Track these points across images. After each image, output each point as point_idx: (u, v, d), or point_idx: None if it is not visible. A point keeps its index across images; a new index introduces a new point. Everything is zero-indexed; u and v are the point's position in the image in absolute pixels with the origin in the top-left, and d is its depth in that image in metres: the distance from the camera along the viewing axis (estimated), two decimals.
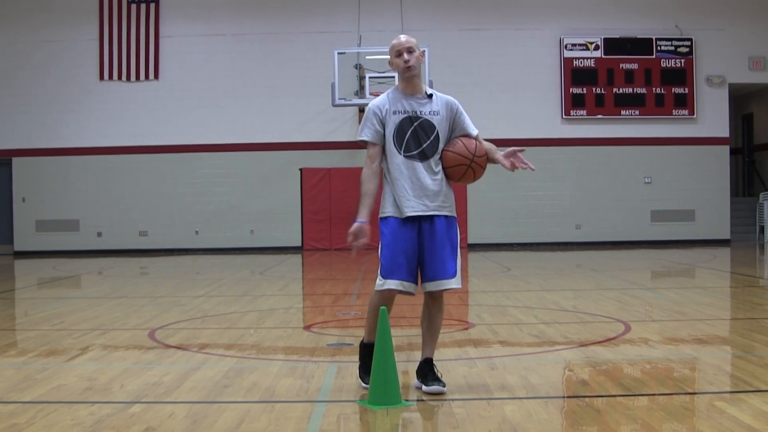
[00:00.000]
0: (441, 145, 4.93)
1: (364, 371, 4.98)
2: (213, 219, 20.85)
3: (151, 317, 8.43)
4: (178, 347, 6.61)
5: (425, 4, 20.86)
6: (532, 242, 20.73)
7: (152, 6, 20.85)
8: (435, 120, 4.91)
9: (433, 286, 4.86)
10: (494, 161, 5.02)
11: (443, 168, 4.93)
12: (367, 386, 4.80)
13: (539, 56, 20.87)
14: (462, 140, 4.97)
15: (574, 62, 20.77)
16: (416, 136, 4.87)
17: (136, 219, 20.89)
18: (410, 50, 4.88)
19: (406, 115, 4.89)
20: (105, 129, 20.83)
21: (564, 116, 20.84)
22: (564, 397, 4.86)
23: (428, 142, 4.88)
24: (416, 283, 4.88)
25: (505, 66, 20.81)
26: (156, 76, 20.87)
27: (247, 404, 4.66)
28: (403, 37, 4.93)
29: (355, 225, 4.82)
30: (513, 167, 5.01)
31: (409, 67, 4.87)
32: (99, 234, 20.94)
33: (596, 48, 20.80)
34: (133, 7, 20.83)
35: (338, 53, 18.69)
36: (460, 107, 5.03)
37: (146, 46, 20.83)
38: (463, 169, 4.90)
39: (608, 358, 5.84)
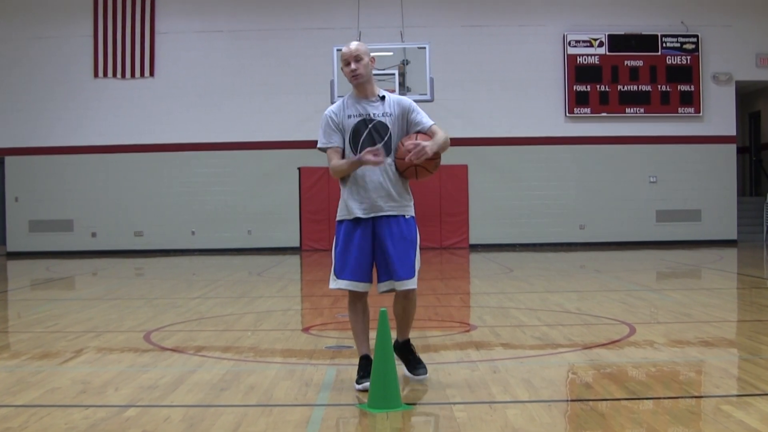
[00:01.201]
0: (395, 146, 5.15)
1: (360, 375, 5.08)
2: (210, 219, 20.85)
3: (146, 319, 8.43)
4: (174, 350, 6.61)
5: (426, 0, 20.86)
6: (534, 243, 20.73)
7: (148, 1, 20.84)
8: (388, 121, 5.15)
9: (388, 286, 5.10)
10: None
11: (398, 172, 5.14)
12: (360, 386, 4.95)
13: (542, 53, 20.87)
14: (403, 142, 5.10)
15: (578, 59, 20.77)
16: (371, 138, 5.10)
17: (132, 219, 20.89)
18: (357, 59, 5.11)
19: (360, 118, 5.14)
20: (100, 127, 20.82)
21: (567, 114, 20.84)
22: (567, 400, 4.86)
23: (382, 143, 5.09)
24: (370, 282, 5.13)
25: (508, 63, 20.80)
26: (152, 74, 20.87)
27: (244, 408, 4.67)
28: (353, 45, 5.17)
29: (370, 149, 4.94)
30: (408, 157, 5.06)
31: (355, 75, 5.11)
32: (93, 234, 20.94)
33: (600, 45, 20.80)
34: (128, 2, 20.83)
35: (337, 50, 18.68)
36: (414, 105, 5.24)
37: (141, 43, 20.83)
38: (412, 170, 5.09)
39: (613, 361, 5.84)
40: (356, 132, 5.10)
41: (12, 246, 20.96)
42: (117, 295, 11.15)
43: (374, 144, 5.05)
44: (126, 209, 20.88)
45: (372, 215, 5.08)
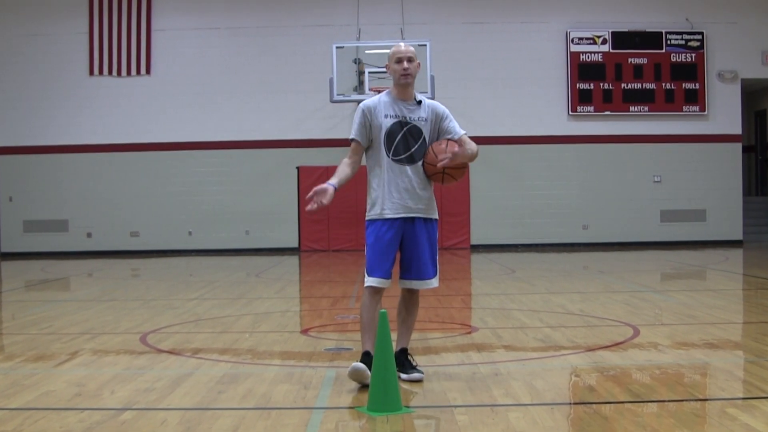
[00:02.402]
0: (426, 150, 5.35)
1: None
2: (207, 219, 20.85)
3: (142, 321, 8.44)
4: (170, 352, 6.62)
5: None
6: (537, 243, 20.74)
7: None
8: (423, 126, 5.33)
9: (414, 284, 5.38)
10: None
11: (426, 176, 5.35)
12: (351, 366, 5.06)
13: (545, 50, 20.87)
14: (433, 147, 5.31)
15: (581, 57, 20.77)
16: (405, 140, 5.28)
17: (127, 219, 20.89)
18: (410, 59, 5.33)
19: (396, 120, 5.30)
20: (95, 126, 20.83)
21: (570, 113, 20.84)
22: (570, 403, 4.86)
23: (416, 146, 5.30)
24: (391, 279, 5.32)
25: (510, 61, 20.80)
26: (148, 71, 20.87)
27: (242, 411, 4.67)
28: (403, 46, 5.38)
29: (323, 185, 5.18)
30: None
31: (406, 75, 5.29)
32: (89, 234, 20.95)
33: (604, 42, 20.80)
34: None
35: (337, 47, 18.69)
36: (447, 112, 5.45)
37: (138, 40, 20.83)
38: (439, 176, 5.29)
39: (616, 364, 5.84)
40: (391, 133, 5.27)
41: (6, 246, 20.97)
42: (113, 297, 11.16)
43: (408, 146, 5.26)
44: (122, 209, 20.89)
45: (402, 216, 5.28)
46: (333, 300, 10.19)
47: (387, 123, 5.27)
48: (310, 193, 5.19)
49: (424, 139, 5.30)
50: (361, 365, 5.03)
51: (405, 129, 5.27)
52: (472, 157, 5.33)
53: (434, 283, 5.41)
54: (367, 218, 5.38)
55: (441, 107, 5.43)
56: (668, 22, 20.90)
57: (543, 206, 20.85)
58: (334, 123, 19.85)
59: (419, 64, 5.42)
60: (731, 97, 21.00)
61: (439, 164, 5.18)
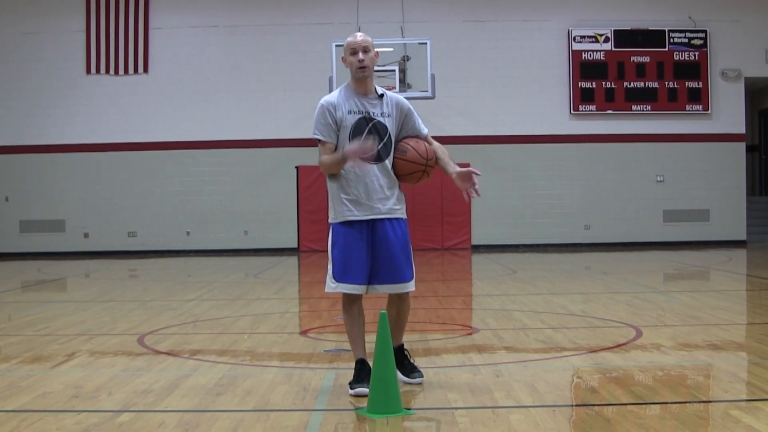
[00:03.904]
0: (392, 147, 5.13)
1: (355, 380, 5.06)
2: (205, 219, 20.85)
3: (140, 322, 8.44)
4: (168, 353, 6.62)
5: None
6: (538, 243, 20.74)
7: None
8: (387, 122, 5.10)
9: (389, 289, 5.12)
10: (446, 171, 5.17)
11: (397, 175, 5.13)
12: (353, 391, 4.96)
13: (546, 49, 20.87)
14: (412, 145, 5.12)
15: (583, 55, 20.77)
16: (372, 138, 5.00)
17: (125, 219, 20.90)
18: (365, 50, 5.05)
19: (361, 116, 5.06)
20: (92, 125, 20.83)
21: (572, 111, 20.84)
22: (572, 405, 4.87)
23: (382, 143, 5.06)
24: (367, 285, 5.09)
25: (511, 59, 20.81)
26: (145, 70, 20.87)
27: (240, 413, 4.67)
28: (359, 35, 5.10)
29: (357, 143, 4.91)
30: (468, 197, 5.20)
31: (362, 67, 5.03)
32: (86, 235, 20.95)
33: (606, 40, 20.80)
34: None
35: (336, 46, 18.67)
36: (412, 109, 5.23)
37: (135, 39, 20.83)
38: (418, 175, 5.12)
39: (619, 365, 5.84)
40: (357, 129, 5.02)
41: (2, 247, 20.96)
42: (110, 297, 11.16)
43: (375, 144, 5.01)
44: (119, 209, 20.89)
45: (370, 217, 5.08)
46: (332, 301, 10.19)
47: (352, 119, 5.02)
48: (357, 151, 4.89)
49: (390, 136, 5.07)
50: (366, 391, 4.78)
51: (370, 125, 5.03)
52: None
53: (411, 286, 5.15)
54: (331, 221, 5.20)
55: (405, 103, 5.19)
56: (671, 20, 20.90)
57: (544, 206, 20.86)
58: None
59: (377, 54, 5.14)
60: (735, 95, 21.00)
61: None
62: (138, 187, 20.88)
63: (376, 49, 5.13)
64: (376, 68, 5.29)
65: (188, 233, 20.90)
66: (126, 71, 20.86)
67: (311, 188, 20.28)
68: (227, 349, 6.89)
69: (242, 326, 8.16)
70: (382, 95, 5.14)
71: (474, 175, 5.12)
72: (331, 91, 19.62)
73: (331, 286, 5.11)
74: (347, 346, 6.67)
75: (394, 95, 5.25)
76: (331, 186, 5.19)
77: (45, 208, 20.94)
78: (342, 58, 5.17)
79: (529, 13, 20.91)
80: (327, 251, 5.27)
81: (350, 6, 20.27)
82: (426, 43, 18.17)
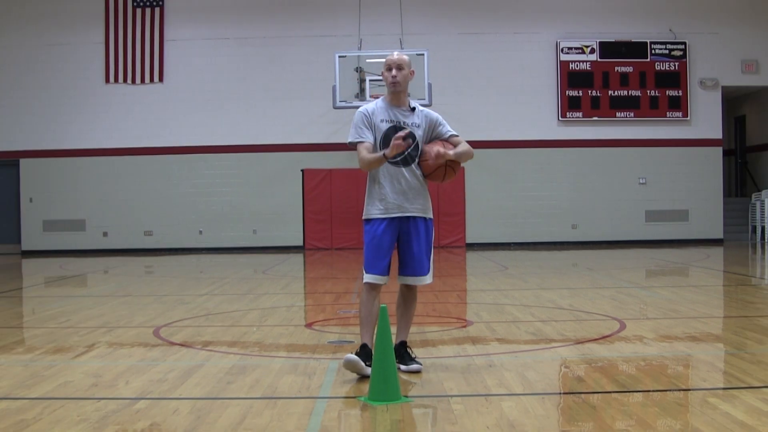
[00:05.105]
0: (419, 153, 5.32)
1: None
2: (216, 219, 20.85)
3: (155, 315, 8.43)
4: (182, 344, 6.61)
5: (424, 9, 20.86)
6: (529, 242, 20.74)
7: (157, 10, 20.86)
8: (416, 131, 5.29)
9: (411, 281, 5.37)
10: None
11: (424, 175, 5.32)
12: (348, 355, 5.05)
13: (536, 60, 20.87)
14: (426, 149, 5.28)
15: (570, 65, 20.77)
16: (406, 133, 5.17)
17: (142, 219, 20.90)
18: (399, 67, 5.28)
19: (391, 124, 5.28)
20: (110, 131, 20.83)
21: (560, 118, 20.84)
22: (560, 393, 4.86)
23: (410, 149, 5.24)
24: (388, 276, 5.32)
25: (503, 69, 20.81)
26: (161, 79, 20.88)
27: (249, 400, 4.66)
28: (396, 54, 5.35)
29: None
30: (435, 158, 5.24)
31: (394, 83, 5.27)
32: (105, 234, 20.95)
33: (592, 51, 20.80)
34: (138, 11, 20.85)
35: (339, 56, 18.70)
36: (441, 119, 5.44)
37: (151, 50, 20.84)
38: (441, 172, 5.27)
39: (604, 356, 5.84)
40: (387, 136, 5.22)
41: (26, 245, 20.96)
42: (127, 292, 11.15)
43: (404, 150, 5.16)
44: (136, 209, 20.89)
45: (399, 215, 5.26)
46: (336, 295, 10.19)
47: (383, 127, 5.26)
48: (397, 141, 5.02)
49: (418, 143, 5.28)
50: (354, 357, 5.02)
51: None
52: (466, 154, 5.28)
53: (428, 279, 5.38)
54: (364, 217, 5.36)
55: (434, 114, 5.42)
56: (653, 32, 20.90)
57: (534, 207, 20.85)
58: (337, 128, 19.84)
59: (413, 72, 5.37)
60: (712, 103, 21.00)
61: (430, 161, 5.17)
62: (153, 189, 20.88)
63: (411, 68, 5.35)
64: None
65: (201, 232, 20.90)
66: (142, 80, 20.86)
67: (316, 190, 20.27)
68: (237, 340, 6.89)
69: (251, 319, 8.15)
70: (414, 108, 5.36)
71: (446, 148, 5.26)
72: (334, 98, 19.70)
73: (365, 277, 5.27)
74: (350, 338, 6.68)
75: (426, 109, 5.45)
76: (369, 187, 5.38)
77: (67, 209, 20.94)
78: (381, 73, 5.44)
79: (520, 26, 20.91)
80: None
81: (353, 19, 20.27)
82: (423, 54, 18.16)
